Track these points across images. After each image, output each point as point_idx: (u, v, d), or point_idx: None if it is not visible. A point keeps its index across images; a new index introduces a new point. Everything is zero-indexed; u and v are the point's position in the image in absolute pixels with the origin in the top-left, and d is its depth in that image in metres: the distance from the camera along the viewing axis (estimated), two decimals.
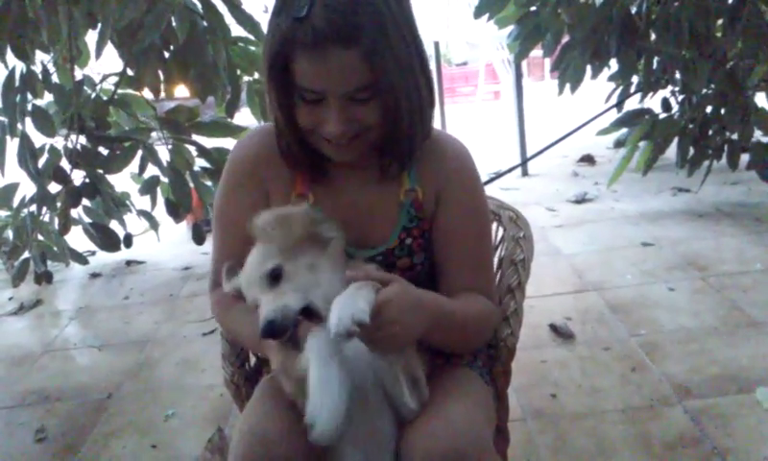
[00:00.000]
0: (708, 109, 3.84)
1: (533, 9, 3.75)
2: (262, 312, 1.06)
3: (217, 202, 1.35)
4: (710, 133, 3.87)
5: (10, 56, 3.29)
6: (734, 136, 3.86)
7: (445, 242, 1.29)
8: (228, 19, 3.12)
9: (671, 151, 4.04)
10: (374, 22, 1.06)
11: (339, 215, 1.21)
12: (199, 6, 3.09)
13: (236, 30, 3.18)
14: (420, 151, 1.26)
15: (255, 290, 1.12)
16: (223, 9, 3.09)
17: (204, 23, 3.11)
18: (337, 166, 1.27)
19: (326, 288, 1.09)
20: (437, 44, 8.66)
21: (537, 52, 4.29)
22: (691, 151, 3.95)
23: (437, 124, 1.32)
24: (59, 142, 3.45)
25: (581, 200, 4.56)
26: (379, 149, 1.24)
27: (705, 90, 3.74)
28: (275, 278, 1.10)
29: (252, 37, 3.19)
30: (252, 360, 1.45)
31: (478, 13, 3.87)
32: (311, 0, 1.05)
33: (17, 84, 3.32)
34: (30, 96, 3.39)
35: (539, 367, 2.44)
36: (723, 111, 3.79)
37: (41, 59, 3.46)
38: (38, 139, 3.41)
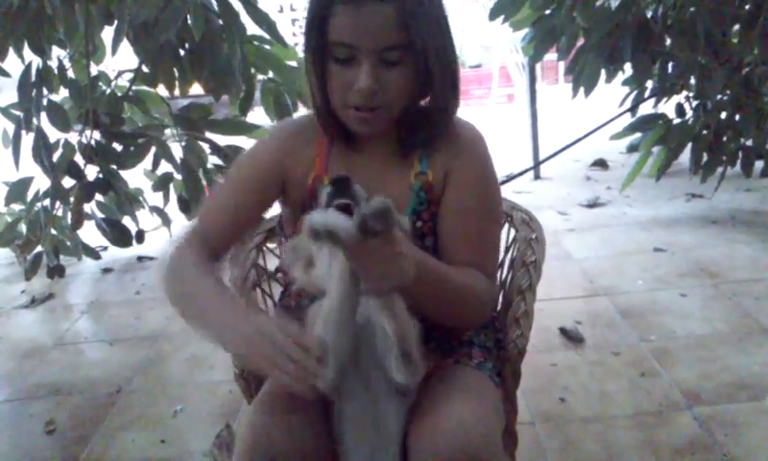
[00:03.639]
0: (723, 115, 3.82)
1: (548, 12, 3.74)
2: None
3: (232, 167, 1.39)
4: (725, 139, 3.85)
5: (26, 51, 3.32)
6: (749, 143, 3.84)
7: (449, 217, 1.29)
8: (244, 18, 3.14)
9: (685, 156, 4.01)
10: None
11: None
12: (214, 4, 3.11)
13: (252, 28, 3.19)
14: (436, 141, 1.29)
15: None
16: (238, 7, 3.10)
17: (220, 21, 3.12)
18: (356, 148, 1.30)
19: None
20: None
21: (551, 55, 4.28)
22: (705, 157, 3.93)
23: None
24: (73, 137, 3.47)
25: (593, 204, 4.54)
26: (400, 128, 1.28)
27: (720, 96, 3.71)
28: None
29: (267, 36, 3.19)
30: None
31: (493, 16, 3.86)
32: None
33: (33, 79, 3.35)
34: (45, 91, 3.42)
35: (548, 370, 2.44)
36: (738, 118, 3.77)
37: (58, 54, 3.49)
38: (53, 134, 3.44)
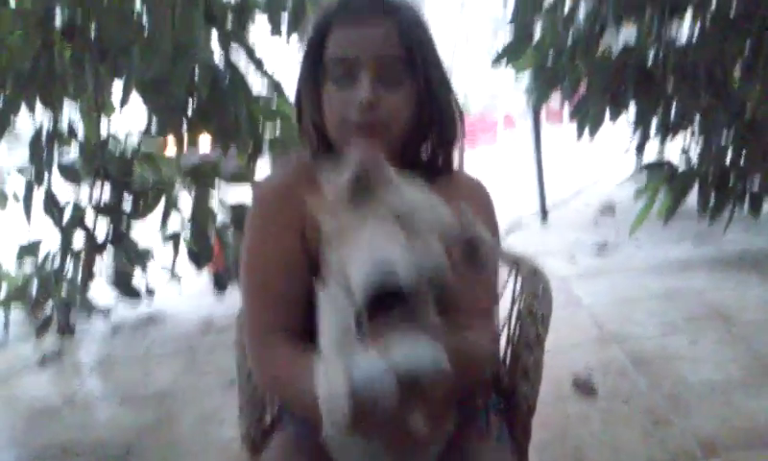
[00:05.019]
0: (729, 156, 3.82)
1: (550, 58, 3.79)
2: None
3: (249, 241, 1.23)
4: (731, 180, 3.84)
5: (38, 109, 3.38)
6: (756, 183, 3.83)
7: None
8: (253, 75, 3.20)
9: (693, 199, 4.01)
10: (408, 10, 1.15)
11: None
12: (221, 65, 3.17)
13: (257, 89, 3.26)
14: (438, 184, 1.19)
15: None
16: (244, 68, 3.17)
17: (227, 81, 3.18)
18: None
19: None
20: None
21: (554, 99, 4.32)
22: (712, 199, 3.92)
23: None
24: (85, 192, 3.51)
25: (602, 249, 4.53)
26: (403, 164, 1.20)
27: (723, 137, 3.72)
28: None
29: (269, 96, 3.26)
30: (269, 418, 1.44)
31: (496, 62, 3.91)
32: None
33: (45, 136, 3.41)
34: (57, 149, 3.47)
35: (560, 421, 2.40)
36: (742, 159, 3.77)
37: (68, 112, 3.55)
38: (64, 190, 3.48)
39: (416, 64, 1.13)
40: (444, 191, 1.16)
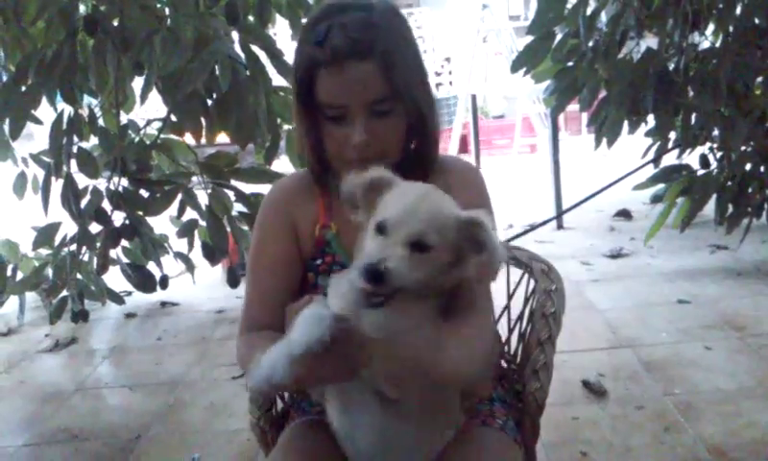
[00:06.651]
0: (748, 166, 3.79)
1: (570, 64, 3.77)
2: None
3: (252, 243, 1.39)
4: (750, 190, 3.81)
5: (57, 100, 3.41)
6: None
7: None
8: (270, 69, 3.20)
9: (709, 208, 3.98)
10: (386, 40, 1.17)
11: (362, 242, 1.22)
12: (243, 56, 3.17)
13: (277, 79, 3.25)
14: (433, 173, 1.31)
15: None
16: (264, 59, 3.16)
17: (247, 72, 3.18)
18: None
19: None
20: (474, 97, 8.73)
21: (574, 106, 4.30)
22: (730, 208, 3.89)
23: None
24: (101, 184, 3.53)
25: (617, 255, 4.50)
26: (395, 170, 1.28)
27: (744, 147, 3.69)
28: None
29: (291, 87, 3.25)
30: (279, 405, 1.45)
31: (515, 68, 3.89)
32: (328, 25, 1.16)
33: (64, 126, 3.43)
34: (75, 138, 3.49)
35: (569, 424, 2.40)
36: (762, 169, 3.74)
37: (88, 103, 3.57)
38: (82, 180, 3.50)
39: (402, 95, 1.19)
40: (440, 180, 1.25)
